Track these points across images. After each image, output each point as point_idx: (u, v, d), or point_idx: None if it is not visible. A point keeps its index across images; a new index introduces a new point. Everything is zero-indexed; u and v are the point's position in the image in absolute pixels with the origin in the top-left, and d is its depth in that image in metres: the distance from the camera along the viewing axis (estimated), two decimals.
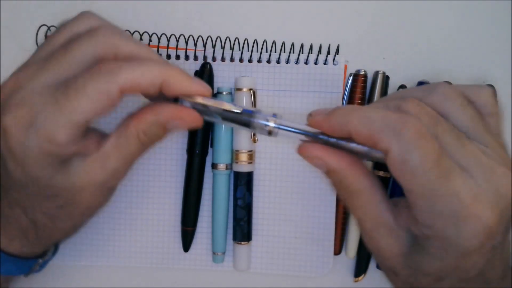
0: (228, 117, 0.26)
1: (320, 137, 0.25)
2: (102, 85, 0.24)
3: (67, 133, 0.24)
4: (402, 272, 0.25)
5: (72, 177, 0.26)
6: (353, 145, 0.25)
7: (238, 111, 0.26)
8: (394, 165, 0.22)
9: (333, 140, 0.25)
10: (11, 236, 0.29)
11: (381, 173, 0.35)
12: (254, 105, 0.36)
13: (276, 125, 0.26)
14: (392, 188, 0.36)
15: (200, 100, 0.26)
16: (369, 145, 0.23)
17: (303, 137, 0.26)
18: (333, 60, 0.37)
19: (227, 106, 0.26)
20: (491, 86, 0.26)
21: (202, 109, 0.26)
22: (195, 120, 0.26)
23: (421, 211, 0.22)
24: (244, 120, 0.26)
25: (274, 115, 0.26)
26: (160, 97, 0.27)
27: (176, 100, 0.27)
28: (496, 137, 0.24)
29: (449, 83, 0.36)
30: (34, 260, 0.32)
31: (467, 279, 0.23)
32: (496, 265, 0.23)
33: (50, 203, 0.27)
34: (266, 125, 0.26)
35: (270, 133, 0.26)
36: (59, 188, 0.26)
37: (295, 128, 0.26)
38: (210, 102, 0.26)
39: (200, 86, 0.26)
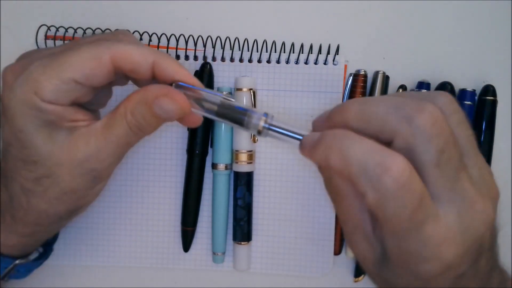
0: (220, 112, 0.26)
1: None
2: (95, 49, 0.25)
3: (53, 87, 0.25)
4: (375, 279, 0.25)
5: (54, 145, 0.26)
6: None
7: (232, 101, 0.26)
8: (369, 207, 0.21)
9: None
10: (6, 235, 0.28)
11: None
12: (254, 105, 0.36)
13: (266, 125, 0.25)
14: None
15: (191, 89, 0.26)
16: (366, 131, 0.22)
17: (292, 140, 0.25)
18: (333, 60, 0.37)
19: (218, 96, 0.26)
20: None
21: (193, 100, 0.26)
22: (182, 103, 0.26)
23: (388, 243, 0.22)
24: (235, 116, 0.26)
25: (266, 115, 0.26)
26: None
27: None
28: (481, 156, 0.23)
29: (450, 83, 0.36)
30: (10, 259, 0.30)
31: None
32: (469, 284, 0.23)
33: (28, 172, 0.26)
34: (256, 124, 0.25)
35: (259, 132, 0.26)
36: (38, 152, 0.26)
37: (285, 130, 0.25)
38: (202, 92, 0.26)
39: (190, 75, 0.27)
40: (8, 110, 0.25)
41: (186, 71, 0.26)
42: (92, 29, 0.37)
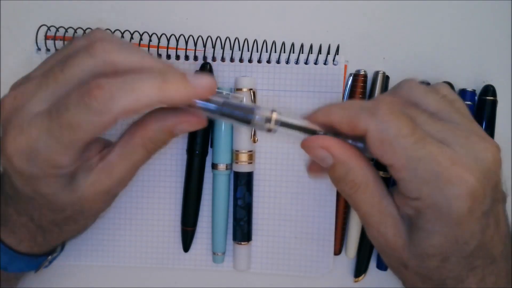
0: (227, 113, 0.26)
1: (319, 133, 0.25)
2: (95, 118, 0.23)
3: (67, 157, 0.25)
4: (410, 263, 0.25)
5: (79, 191, 0.26)
6: (349, 142, 0.26)
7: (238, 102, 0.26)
8: (374, 143, 0.23)
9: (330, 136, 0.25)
10: (20, 238, 0.29)
11: (381, 173, 0.35)
12: None
13: (275, 122, 0.25)
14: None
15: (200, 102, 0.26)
16: (351, 132, 0.24)
17: (301, 134, 0.26)
18: (333, 60, 0.37)
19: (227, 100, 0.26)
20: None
21: (202, 106, 0.26)
22: (201, 122, 0.26)
23: (406, 184, 0.23)
24: (243, 116, 0.26)
25: (273, 110, 0.26)
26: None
27: None
28: (467, 117, 0.26)
29: (449, 83, 0.36)
30: (44, 257, 0.32)
31: (471, 254, 0.24)
32: (495, 238, 0.24)
33: (57, 215, 0.28)
34: (265, 122, 0.25)
35: (269, 130, 0.26)
36: (66, 202, 0.27)
37: (294, 125, 0.26)
38: (208, 101, 0.26)
39: (202, 90, 0.25)
40: (28, 180, 0.25)
41: (195, 89, 0.25)
42: (91, 29, 0.37)
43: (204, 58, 0.37)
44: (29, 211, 0.28)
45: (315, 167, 0.28)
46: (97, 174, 0.26)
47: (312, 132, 0.25)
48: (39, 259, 0.32)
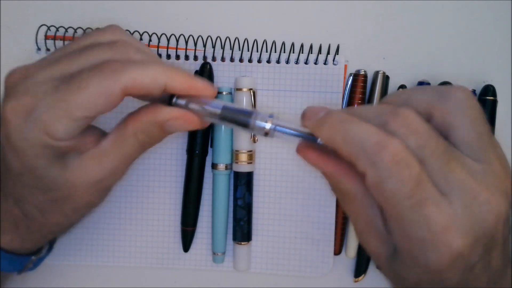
0: (225, 117, 0.26)
1: (318, 141, 0.25)
2: (104, 83, 0.24)
3: (65, 127, 0.24)
4: (388, 275, 0.25)
5: (67, 172, 0.26)
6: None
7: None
8: (370, 188, 0.22)
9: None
10: (3, 229, 0.29)
11: None
12: (254, 105, 0.36)
13: (273, 126, 0.26)
14: None
15: (195, 101, 0.26)
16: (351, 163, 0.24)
17: (299, 139, 0.26)
18: (333, 60, 0.37)
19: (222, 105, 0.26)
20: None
21: (199, 109, 0.26)
22: (193, 122, 0.26)
23: (394, 230, 0.23)
24: (241, 120, 0.26)
25: (271, 116, 0.26)
26: (157, 99, 0.27)
27: (170, 99, 0.27)
28: (497, 152, 0.23)
29: (449, 83, 0.36)
30: (27, 257, 0.32)
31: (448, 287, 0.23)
32: (479, 277, 0.23)
33: (43, 196, 0.27)
34: (263, 126, 0.26)
35: (266, 134, 0.26)
36: (54, 181, 0.26)
37: (291, 130, 0.26)
38: (205, 104, 0.26)
39: (204, 86, 0.26)
40: (19, 149, 0.25)
41: (197, 83, 0.26)
42: (92, 29, 0.37)
43: (204, 58, 0.37)
44: (15, 192, 0.27)
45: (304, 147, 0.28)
46: (88, 161, 0.26)
47: (309, 137, 0.25)
48: (22, 258, 0.31)
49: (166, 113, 0.26)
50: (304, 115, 0.25)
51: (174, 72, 0.25)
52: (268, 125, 0.25)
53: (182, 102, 0.27)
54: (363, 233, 0.25)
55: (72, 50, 0.27)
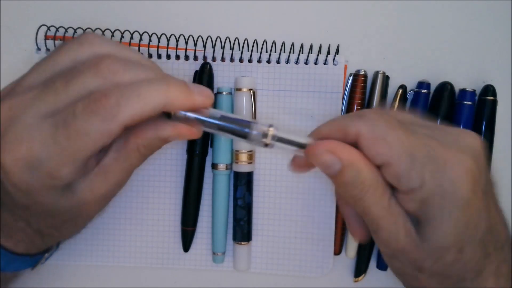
0: (225, 127, 0.26)
1: None
2: (104, 126, 0.23)
3: (70, 170, 0.24)
4: (426, 263, 0.24)
5: (76, 197, 0.26)
6: None
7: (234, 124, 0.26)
8: (367, 143, 0.24)
9: None
10: (18, 240, 0.29)
11: None
12: (254, 106, 0.36)
13: (272, 137, 0.25)
14: None
15: (193, 115, 0.26)
16: (344, 141, 0.25)
17: (298, 150, 0.26)
18: (333, 60, 0.37)
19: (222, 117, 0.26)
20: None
21: (198, 121, 0.26)
22: (195, 133, 0.27)
23: (406, 175, 0.23)
24: (240, 131, 0.26)
25: (271, 126, 0.26)
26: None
27: (169, 113, 0.26)
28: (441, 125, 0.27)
29: (450, 83, 0.36)
30: (40, 256, 0.32)
31: (482, 239, 0.24)
32: (499, 223, 0.25)
33: (54, 219, 0.28)
34: (262, 137, 0.25)
35: (266, 145, 0.26)
36: (64, 208, 0.27)
37: (291, 141, 0.26)
38: (205, 116, 0.26)
39: (202, 98, 0.26)
40: (25, 192, 0.25)
41: (195, 99, 0.25)
42: (92, 29, 0.37)
43: (204, 58, 0.37)
44: (25, 217, 0.28)
45: (297, 162, 0.29)
46: (93, 179, 0.26)
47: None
48: (36, 257, 0.32)
49: (168, 129, 0.26)
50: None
51: (172, 91, 0.24)
52: (267, 140, 0.25)
53: (181, 114, 0.26)
54: (392, 226, 0.25)
55: (52, 76, 0.25)
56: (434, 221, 0.24)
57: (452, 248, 0.24)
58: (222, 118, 0.26)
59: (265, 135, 0.25)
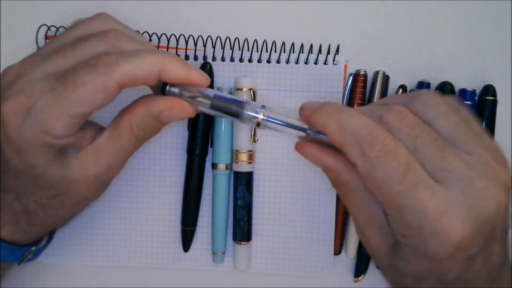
0: (218, 107, 0.26)
1: (308, 132, 0.25)
2: (100, 79, 0.24)
3: (64, 125, 0.24)
4: (387, 270, 0.25)
5: (66, 169, 0.26)
6: None
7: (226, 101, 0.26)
8: (362, 177, 0.23)
9: (322, 136, 0.25)
10: (3, 222, 0.29)
11: None
12: None
13: (265, 117, 0.26)
14: None
15: (188, 90, 0.26)
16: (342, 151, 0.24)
17: (291, 130, 0.26)
18: (333, 60, 0.37)
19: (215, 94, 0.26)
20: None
21: (192, 97, 0.26)
22: (187, 110, 0.27)
23: (392, 221, 0.23)
24: (233, 110, 0.26)
25: (263, 107, 0.26)
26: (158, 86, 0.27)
27: (164, 87, 0.27)
28: (486, 146, 0.23)
29: (449, 83, 0.36)
30: (27, 248, 0.32)
31: (447, 281, 0.23)
32: (479, 271, 0.23)
33: (43, 192, 0.27)
34: (254, 117, 0.26)
35: (258, 124, 0.26)
36: (53, 179, 0.26)
37: (283, 122, 0.26)
38: (198, 92, 0.26)
39: (197, 74, 0.26)
40: (18, 148, 0.25)
41: (191, 73, 0.26)
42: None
43: (204, 58, 0.37)
44: (14, 188, 0.27)
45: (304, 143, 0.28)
46: (85, 156, 0.26)
47: (301, 129, 0.26)
48: (23, 249, 0.31)
49: (160, 104, 0.26)
50: (301, 107, 0.26)
51: (169, 61, 0.25)
52: (259, 116, 0.26)
53: (175, 90, 0.27)
54: (364, 228, 0.25)
55: (63, 44, 0.26)
56: (401, 256, 0.24)
57: (410, 277, 0.24)
58: (216, 97, 0.26)
59: (257, 115, 0.26)
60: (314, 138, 0.25)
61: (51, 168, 0.26)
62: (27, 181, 0.27)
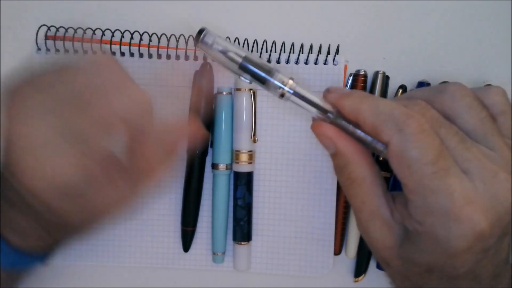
0: (246, 68, 0.25)
1: (329, 115, 0.25)
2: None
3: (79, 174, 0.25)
4: (394, 263, 0.25)
5: (89, 209, 0.27)
6: (358, 132, 0.25)
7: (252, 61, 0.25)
8: (393, 158, 0.22)
9: (340, 121, 0.25)
10: (26, 236, 0.29)
11: (382, 173, 0.35)
12: (254, 106, 0.36)
13: (291, 90, 0.25)
14: (391, 188, 0.36)
15: (220, 47, 0.25)
16: (373, 135, 0.24)
17: (312, 109, 0.25)
18: (333, 60, 0.37)
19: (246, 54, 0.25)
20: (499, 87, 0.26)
21: (223, 52, 0.25)
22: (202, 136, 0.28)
23: (414, 206, 0.23)
24: (261, 76, 0.25)
25: (291, 79, 0.25)
26: None
27: (199, 34, 0.25)
28: (507, 139, 0.24)
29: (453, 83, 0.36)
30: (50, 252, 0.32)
31: (456, 275, 0.23)
32: (487, 265, 0.23)
33: (67, 227, 0.29)
34: (280, 87, 0.25)
35: (282, 95, 0.25)
36: (76, 219, 0.28)
37: (308, 99, 0.25)
38: (230, 51, 0.25)
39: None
40: (37, 196, 0.26)
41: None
42: (92, 29, 0.37)
43: (204, 58, 0.37)
44: (35, 218, 0.28)
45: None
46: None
47: (323, 110, 0.25)
48: (46, 253, 0.32)
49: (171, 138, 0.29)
50: (328, 89, 0.25)
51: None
52: (286, 88, 0.25)
53: (208, 41, 0.25)
54: (368, 222, 0.25)
55: (72, 97, 0.26)
56: (415, 247, 0.23)
57: (421, 267, 0.24)
58: (246, 58, 0.25)
59: (283, 85, 0.25)
60: (332, 121, 0.25)
61: (74, 213, 0.28)
62: (49, 218, 0.28)
